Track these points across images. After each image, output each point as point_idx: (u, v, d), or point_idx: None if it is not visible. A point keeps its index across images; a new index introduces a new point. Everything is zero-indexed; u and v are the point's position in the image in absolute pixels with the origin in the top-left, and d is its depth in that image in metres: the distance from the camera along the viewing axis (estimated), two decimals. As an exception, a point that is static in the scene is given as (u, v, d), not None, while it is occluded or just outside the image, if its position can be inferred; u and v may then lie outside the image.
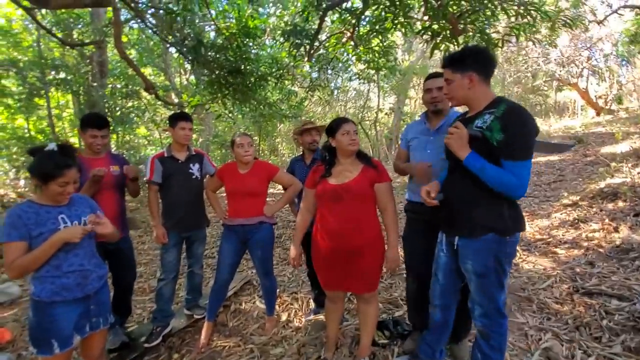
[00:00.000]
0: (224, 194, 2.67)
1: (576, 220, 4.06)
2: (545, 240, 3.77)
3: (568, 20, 4.06)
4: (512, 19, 3.79)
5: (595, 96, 13.86)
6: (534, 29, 4.36)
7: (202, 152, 2.84)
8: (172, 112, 11.69)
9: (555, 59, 13.32)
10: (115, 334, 2.39)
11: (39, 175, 1.54)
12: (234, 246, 2.52)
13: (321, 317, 2.65)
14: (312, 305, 2.92)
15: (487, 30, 3.83)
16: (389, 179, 1.98)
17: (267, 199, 2.68)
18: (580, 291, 2.66)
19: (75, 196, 1.72)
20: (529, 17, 3.64)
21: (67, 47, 6.91)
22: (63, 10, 6.36)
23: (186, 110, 10.16)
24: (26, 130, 9.35)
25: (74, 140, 9.23)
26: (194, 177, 2.65)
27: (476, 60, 1.57)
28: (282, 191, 2.77)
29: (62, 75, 7.61)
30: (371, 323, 2.07)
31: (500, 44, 3.82)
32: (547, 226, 4.17)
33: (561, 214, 4.44)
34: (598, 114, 13.07)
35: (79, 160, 1.65)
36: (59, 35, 6.19)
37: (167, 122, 2.68)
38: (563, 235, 3.81)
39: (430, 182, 1.79)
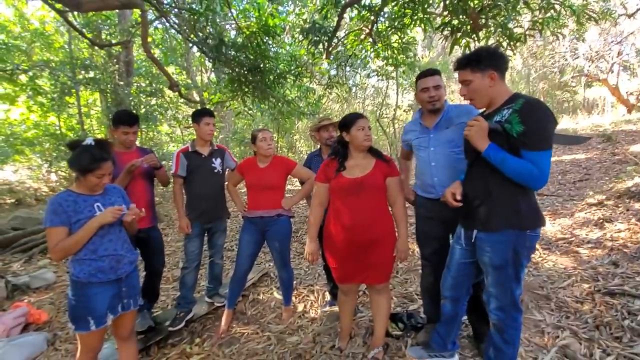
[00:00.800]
0: (244, 189, 2.77)
1: (601, 220, 3.93)
2: (567, 240, 3.68)
3: (593, 15, 3.92)
4: (536, 12, 3.72)
5: (626, 93, 13.23)
6: (559, 23, 4.25)
7: (223, 147, 2.95)
8: (194, 109, 12.02)
9: (583, 54, 12.79)
10: (143, 318, 2.53)
11: (78, 167, 1.68)
12: (253, 237, 2.62)
13: (336, 308, 2.71)
14: (328, 297, 2.98)
15: (510, 25, 3.76)
16: (398, 173, 2.04)
17: (286, 194, 2.75)
18: (602, 291, 2.60)
19: (108, 186, 1.86)
20: (552, 10, 3.56)
21: (96, 47, 7.22)
22: (93, 12, 6.64)
23: (207, 107, 10.44)
24: (57, 127, 9.80)
25: (101, 137, 9.63)
26: (216, 171, 2.77)
27: (493, 58, 1.59)
28: (300, 187, 2.84)
29: (91, 74, 7.96)
30: (384, 314, 2.11)
31: (523, 39, 3.75)
32: (570, 225, 4.07)
33: (585, 213, 4.31)
34: (629, 111, 12.48)
35: (113, 154, 1.78)
36: (89, 36, 6.48)
37: (191, 118, 2.79)
38: (586, 235, 3.70)
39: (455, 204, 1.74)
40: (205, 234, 2.84)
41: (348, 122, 1.97)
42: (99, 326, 1.70)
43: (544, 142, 1.45)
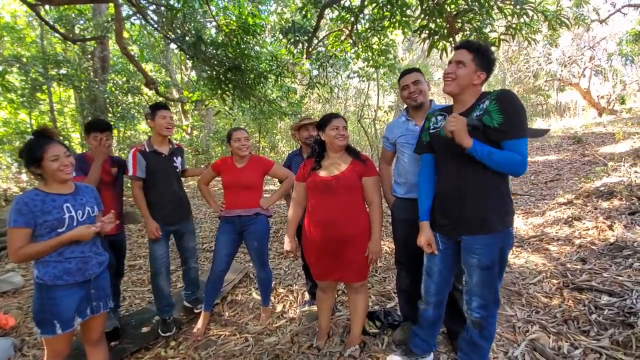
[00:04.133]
0: (216, 188, 2.72)
1: (570, 218, 4.10)
2: (538, 237, 3.82)
3: (565, 20, 4.09)
4: (509, 17, 3.83)
5: (597, 96, 13.83)
6: (532, 29, 4.39)
7: (181, 146, 2.87)
8: (172, 108, 11.71)
9: (557, 59, 13.30)
10: (108, 319, 2.44)
11: (30, 162, 1.61)
12: (230, 237, 2.58)
13: (315, 308, 2.71)
14: (307, 297, 2.98)
15: (485, 30, 3.87)
16: (376, 173, 2.05)
17: (264, 194, 2.73)
18: (570, 286, 2.71)
19: (81, 185, 1.79)
20: (525, 16, 3.68)
21: (69, 42, 6.96)
22: (65, 6, 6.41)
23: (187, 105, 10.25)
24: (28, 125, 9.42)
25: (76, 135, 9.31)
26: (178, 170, 2.68)
27: (491, 64, 1.61)
28: (278, 187, 2.82)
29: (64, 70, 7.66)
30: (361, 312, 2.13)
31: (497, 43, 3.86)
32: (541, 224, 4.22)
33: (556, 212, 4.49)
34: (600, 115, 13.05)
35: (79, 162, 1.78)
36: (62, 30, 6.25)
37: (145, 115, 2.62)
38: (556, 233, 3.85)
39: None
40: (171, 237, 2.73)
41: (323, 122, 2.02)
42: (66, 330, 1.63)
43: (521, 130, 1.48)
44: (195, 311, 2.86)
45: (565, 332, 2.18)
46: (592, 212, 4.11)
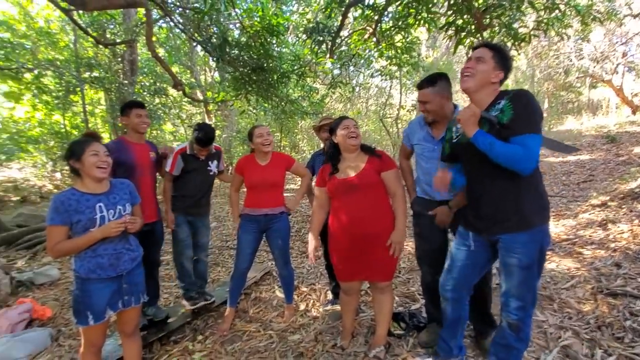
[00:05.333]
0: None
1: (604, 221, 3.92)
2: (570, 241, 3.67)
3: (598, 15, 3.90)
4: (541, 12, 3.70)
5: (631, 94, 13.11)
6: (564, 24, 4.22)
7: (220, 149, 2.97)
8: (196, 108, 11.99)
9: (588, 55, 12.70)
10: (158, 310, 2.66)
11: (72, 155, 1.71)
12: (253, 236, 2.61)
13: (338, 307, 2.72)
14: (329, 296, 2.99)
15: (514, 25, 3.75)
16: (394, 166, 2.04)
17: (285, 193, 2.77)
18: (604, 292, 2.60)
19: (116, 182, 1.86)
20: (557, 11, 3.54)
21: (101, 46, 7.25)
22: (97, 12, 6.68)
23: (211, 106, 10.46)
24: (62, 126, 9.87)
25: (106, 135, 9.67)
26: (211, 173, 2.83)
27: (509, 65, 1.62)
28: (297, 186, 2.85)
29: (95, 73, 8.00)
30: (386, 313, 2.12)
31: (528, 39, 3.73)
32: (574, 226, 4.05)
33: (589, 214, 4.30)
34: (634, 113, 12.36)
35: (118, 146, 2.01)
36: (94, 34, 6.51)
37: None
38: (590, 236, 3.69)
39: (446, 189, 1.82)
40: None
41: (334, 125, 2.06)
42: (97, 321, 1.71)
43: (530, 126, 1.46)
44: (202, 303, 2.84)
45: (599, 339, 2.10)
46: (627, 215, 3.91)
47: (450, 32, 3.72)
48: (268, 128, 2.65)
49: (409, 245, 4.10)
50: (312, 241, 2.15)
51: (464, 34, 3.65)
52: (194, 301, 2.82)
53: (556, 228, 4.06)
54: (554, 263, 3.21)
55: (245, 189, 2.72)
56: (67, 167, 1.68)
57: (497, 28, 3.64)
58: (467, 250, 1.74)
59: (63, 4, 4.46)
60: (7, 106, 10.63)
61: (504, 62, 1.59)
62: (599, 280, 2.78)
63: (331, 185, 2.02)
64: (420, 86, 2.04)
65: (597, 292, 2.60)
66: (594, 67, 12.78)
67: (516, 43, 3.71)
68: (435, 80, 1.99)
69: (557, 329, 2.26)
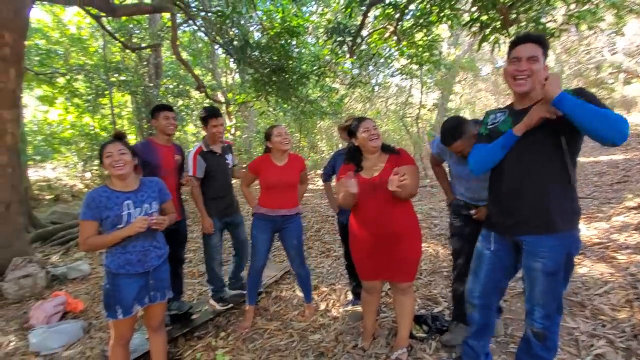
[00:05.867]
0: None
1: (641, 224, 3.71)
2: (603, 245, 3.49)
3: (635, 6, 3.70)
4: (572, 6, 3.55)
5: (670, 89, 12.36)
6: (596, 17, 4.03)
7: (230, 142, 3.03)
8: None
9: (623, 49, 12.06)
10: (180, 303, 2.73)
11: (99, 159, 1.82)
12: (267, 235, 2.62)
13: (359, 308, 2.70)
14: (350, 296, 2.97)
15: (543, 20, 3.61)
16: (411, 162, 2.00)
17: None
18: (641, 299, 2.46)
19: (145, 180, 1.93)
20: (590, 3, 3.39)
21: (128, 50, 7.54)
22: (125, 17, 6.95)
23: (231, 107, 10.66)
24: (92, 127, 10.31)
25: (132, 137, 10.03)
26: (230, 167, 2.88)
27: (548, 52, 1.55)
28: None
29: (122, 77, 8.33)
30: (408, 315, 2.09)
31: (557, 34, 3.59)
32: (607, 229, 3.86)
33: (624, 217, 4.08)
34: (674, 109, 11.65)
35: (145, 147, 2.01)
36: (122, 39, 6.78)
37: (201, 121, 2.80)
38: (625, 240, 3.50)
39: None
40: (224, 229, 2.92)
41: (353, 127, 2.04)
42: (126, 315, 1.78)
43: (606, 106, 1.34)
44: (222, 308, 2.90)
45: (635, 349, 1.99)
46: (668, 218, 3.69)
47: (474, 28, 3.63)
48: (286, 128, 2.66)
49: (430, 247, 4.02)
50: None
51: (489, 30, 3.55)
52: (223, 303, 2.89)
53: (587, 231, 3.88)
54: (585, 268, 3.07)
55: (257, 187, 2.75)
56: (95, 167, 1.78)
57: (524, 23, 3.52)
58: (489, 254, 1.68)
59: (93, 11, 4.67)
60: (42, 109, 11.22)
61: (546, 54, 1.51)
62: (635, 286, 2.63)
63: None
64: (448, 143, 1.96)
65: (634, 299, 2.47)
66: (629, 61, 12.13)
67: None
68: (460, 132, 1.91)
69: (589, 336, 2.15)
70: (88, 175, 11.14)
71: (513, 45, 1.53)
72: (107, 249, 1.79)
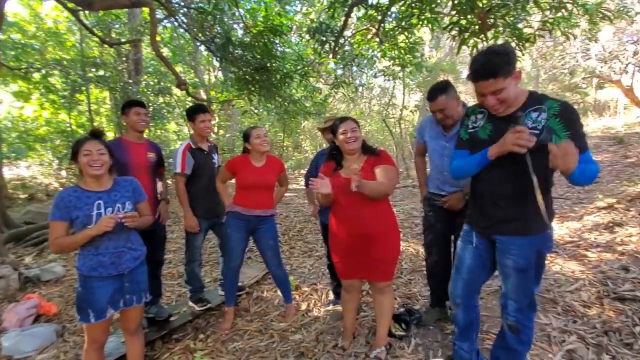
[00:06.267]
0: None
1: (611, 224, 3.87)
2: (575, 243, 3.63)
3: (607, 13, 3.85)
4: (547, 12, 3.66)
5: (641, 94, 12.93)
6: (570, 23, 4.17)
7: (216, 143, 3.00)
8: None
9: (596, 55, 12.54)
10: (160, 309, 2.68)
11: (72, 156, 1.75)
12: (242, 234, 2.60)
13: (339, 307, 2.71)
14: (331, 296, 2.98)
15: (519, 25, 3.71)
16: (388, 162, 1.98)
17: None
18: (610, 296, 2.56)
19: (120, 179, 1.87)
20: (564, 10, 3.50)
21: (106, 45, 7.30)
22: (103, 11, 6.74)
23: (214, 106, 10.50)
24: (68, 125, 9.96)
25: (111, 134, 9.75)
26: (216, 166, 2.84)
27: (515, 56, 1.45)
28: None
29: (100, 72, 8.07)
30: (387, 314, 2.11)
31: (533, 39, 3.70)
32: (578, 229, 4.01)
33: (594, 216, 4.25)
34: (644, 114, 12.22)
35: (114, 145, 1.91)
36: (100, 34, 6.57)
37: (188, 116, 2.76)
38: (595, 239, 3.64)
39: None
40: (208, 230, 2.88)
41: (334, 127, 2.06)
42: (99, 319, 1.72)
43: (585, 141, 1.43)
44: (200, 309, 2.87)
45: (606, 344, 2.06)
46: (636, 218, 3.86)
47: (454, 32, 3.69)
48: (265, 130, 2.64)
49: (410, 247, 4.08)
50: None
51: (467, 34, 3.62)
52: (202, 303, 2.84)
53: (560, 230, 4.02)
54: (557, 265, 3.18)
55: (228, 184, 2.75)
56: (72, 166, 1.71)
57: (501, 28, 3.61)
58: (472, 248, 1.72)
59: (70, 4, 4.51)
60: (16, 105, 10.76)
61: (514, 64, 1.42)
62: (605, 283, 2.74)
63: (334, 181, 2.00)
64: (433, 96, 2.07)
65: (604, 296, 2.57)
66: (602, 67, 12.63)
67: (521, 43, 3.68)
68: (445, 87, 2.07)
69: (561, 332, 2.23)
70: (64, 173, 10.77)
71: (472, 80, 1.48)
72: (79, 250, 1.73)
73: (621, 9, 7.26)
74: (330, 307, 2.82)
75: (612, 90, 14.34)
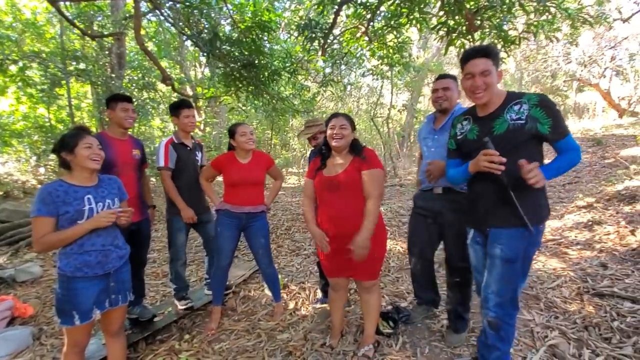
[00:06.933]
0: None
1: (590, 222, 4.00)
2: (556, 241, 3.73)
3: (589, 18, 3.96)
4: (531, 15, 3.74)
5: (618, 97, 13.42)
6: (553, 27, 4.28)
7: (201, 142, 2.94)
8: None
9: (576, 58, 12.93)
10: (144, 309, 2.61)
11: (64, 147, 1.65)
12: (233, 233, 2.55)
13: (327, 306, 2.71)
14: (319, 294, 2.97)
15: (505, 27, 3.78)
16: (376, 166, 1.94)
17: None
18: (590, 292, 2.64)
19: (104, 177, 1.81)
20: (548, 14, 3.59)
21: (88, 38, 7.07)
22: (85, 3, 6.52)
23: (201, 102, 10.33)
24: (47, 119, 9.60)
25: (93, 130, 9.46)
26: (199, 164, 2.79)
27: (500, 57, 1.70)
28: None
29: (82, 66, 7.80)
30: (374, 312, 2.12)
31: (517, 42, 3.77)
32: (559, 227, 4.12)
33: (575, 215, 4.38)
34: (620, 116, 12.67)
35: (98, 139, 1.78)
36: (81, 26, 6.35)
37: (172, 111, 2.70)
38: (575, 237, 3.76)
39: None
40: (190, 228, 2.82)
41: (327, 122, 2.06)
42: (84, 321, 1.66)
43: (566, 127, 1.55)
44: (183, 307, 2.82)
45: (586, 339, 2.12)
46: (614, 217, 3.99)
47: (441, 32, 3.73)
48: (250, 127, 2.59)
49: (398, 245, 4.11)
50: (316, 232, 2.00)
51: (455, 34, 3.67)
52: (186, 301, 2.79)
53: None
54: (540, 263, 3.25)
55: (215, 182, 2.69)
56: (51, 162, 1.62)
57: (487, 30, 3.67)
58: (479, 248, 1.76)
59: (48, -6, 4.33)
60: (-9, 99, 10.30)
61: (498, 61, 1.62)
62: (585, 280, 2.83)
63: (317, 181, 2.03)
64: (443, 76, 2.22)
65: (583, 292, 2.65)
66: (582, 71, 13.03)
67: (506, 45, 3.75)
68: (454, 76, 2.21)
69: (543, 328, 2.28)
70: (42, 170, 10.39)
71: (464, 60, 1.62)
72: (61, 249, 1.65)
73: (600, 14, 7.50)
74: (319, 306, 2.81)
75: (592, 93, 14.82)
